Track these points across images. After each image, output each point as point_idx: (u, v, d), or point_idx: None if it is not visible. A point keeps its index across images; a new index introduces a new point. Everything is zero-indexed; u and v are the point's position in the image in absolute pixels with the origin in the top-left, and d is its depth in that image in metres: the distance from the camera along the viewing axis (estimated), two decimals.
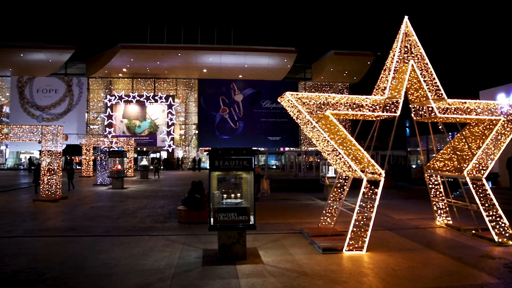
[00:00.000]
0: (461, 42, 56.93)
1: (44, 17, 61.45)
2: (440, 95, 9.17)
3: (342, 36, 63.27)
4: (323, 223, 9.75)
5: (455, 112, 9.41)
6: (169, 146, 39.31)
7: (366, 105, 8.62)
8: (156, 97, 39.36)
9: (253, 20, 66.60)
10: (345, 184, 9.49)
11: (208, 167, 7.30)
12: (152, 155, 39.36)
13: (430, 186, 10.88)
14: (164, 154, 41.01)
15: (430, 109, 9.58)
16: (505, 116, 9.44)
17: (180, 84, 41.29)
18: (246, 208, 7.28)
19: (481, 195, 9.17)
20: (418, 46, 9.22)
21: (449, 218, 10.55)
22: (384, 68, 9.12)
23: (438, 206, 10.77)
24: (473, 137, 9.92)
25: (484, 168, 9.34)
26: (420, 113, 9.98)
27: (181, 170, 39.22)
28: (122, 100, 39.23)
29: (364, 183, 8.03)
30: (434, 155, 11.48)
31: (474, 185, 9.26)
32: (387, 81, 8.71)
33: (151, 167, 29.72)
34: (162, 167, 36.94)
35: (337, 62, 37.87)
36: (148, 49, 35.85)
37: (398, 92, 8.71)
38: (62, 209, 13.31)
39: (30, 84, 38.62)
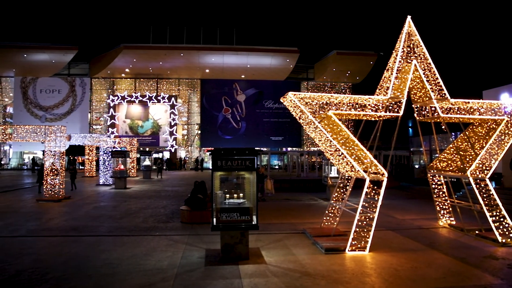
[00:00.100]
0: (464, 41, 56.74)
1: (48, 17, 61.79)
2: (443, 95, 9.13)
3: (344, 36, 63.18)
4: (326, 223, 9.75)
5: (458, 112, 9.37)
6: (172, 146, 39.38)
7: (369, 105, 8.61)
8: (158, 97, 39.44)
9: (255, 20, 66.68)
10: (348, 184, 9.48)
11: (210, 167, 7.30)
12: (155, 155, 39.48)
13: (433, 186, 10.84)
14: (166, 154, 41.10)
15: (433, 109, 9.56)
16: (509, 116, 9.39)
17: (182, 84, 41.35)
18: (249, 208, 7.27)
19: (485, 195, 9.12)
20: (421, 46, 9.19)
21: (452, 219, 10.51)
22: (386, 68, 9.09)
23: (441, 206, 10.73)
24: (476, 137, 9.87)
25: (487, 168, 9.29)
26: (423, 113, 9.94)
27: (184, 170, 39.29)
28: (125, 100, 39.34)
29: (367, 183, 8.02)
30: (437, 155, 11.44)
31: (478, 185, 9.21)
32: (390, 81, 8.69)
33: (154, 167, 29.75)
34: (165, 167, 37.01)
35: (339, 62, 37.84)
36: (151, 49, 35.97)
37: (401, 92, 8.68)
38: (65, 209, 13.37)
39: (33, 85, 38.84)
